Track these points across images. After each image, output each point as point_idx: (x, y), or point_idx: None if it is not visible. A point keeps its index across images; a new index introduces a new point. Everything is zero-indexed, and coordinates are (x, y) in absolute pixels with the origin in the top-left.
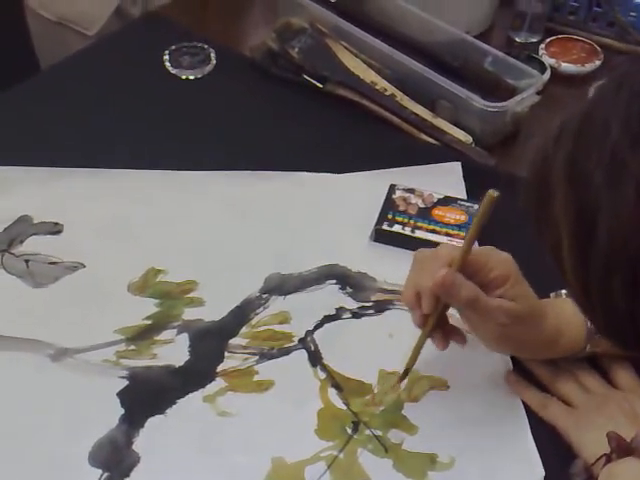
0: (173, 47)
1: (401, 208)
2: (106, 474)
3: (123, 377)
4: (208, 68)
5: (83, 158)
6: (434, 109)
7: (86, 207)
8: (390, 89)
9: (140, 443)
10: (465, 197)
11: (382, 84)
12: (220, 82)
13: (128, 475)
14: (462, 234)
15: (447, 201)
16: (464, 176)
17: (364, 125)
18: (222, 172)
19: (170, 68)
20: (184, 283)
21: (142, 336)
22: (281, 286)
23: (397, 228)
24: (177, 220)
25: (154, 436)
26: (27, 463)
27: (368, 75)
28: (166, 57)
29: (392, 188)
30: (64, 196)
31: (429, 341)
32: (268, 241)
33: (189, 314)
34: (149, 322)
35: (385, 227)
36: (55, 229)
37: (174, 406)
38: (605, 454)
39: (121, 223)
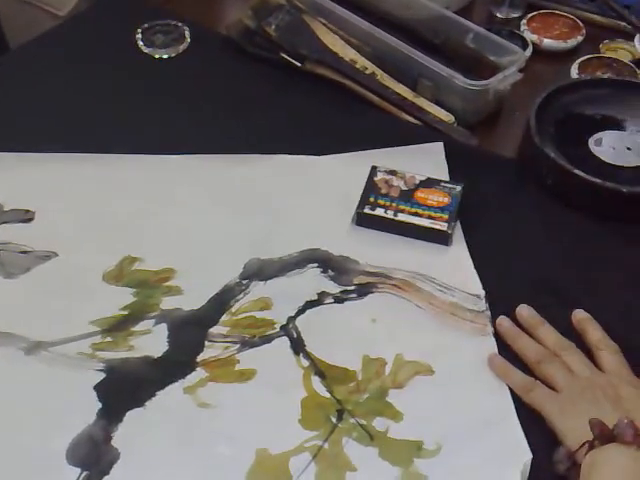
0: (146, 25)
1: (383, 191)
2: (85, 472)
3: (100, 370)
4: (182, 47)
5: (54, 142)
6: (415, 88)
7: (58, 194)
8: (370, 67)
9: (119, 438)
10: (447, 178)
11: (362, 62)
12: (195, 61)
13: (108, 473)
14: (445, 217)
15: (429, 183)
16: (446, 156)
17: (344, 105)
18: (198, 156)
19: (143, 47)
20: (161, 271)
21: (119, 327)
22: (261, 271)
23: (379, 211)
24: (153, 206)
25: (134, 430)
26: (1, 462)
27: (348, 53)
28: (138, 36)
29: (373, 170)
30: (35, 182)
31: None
32: (247, 226)
33: (167, 303)
34: (126, 312)
35: (367, 210)
36: (26, 217)
37: (154, 398)
38: (588, 441)
39: (95, 210)
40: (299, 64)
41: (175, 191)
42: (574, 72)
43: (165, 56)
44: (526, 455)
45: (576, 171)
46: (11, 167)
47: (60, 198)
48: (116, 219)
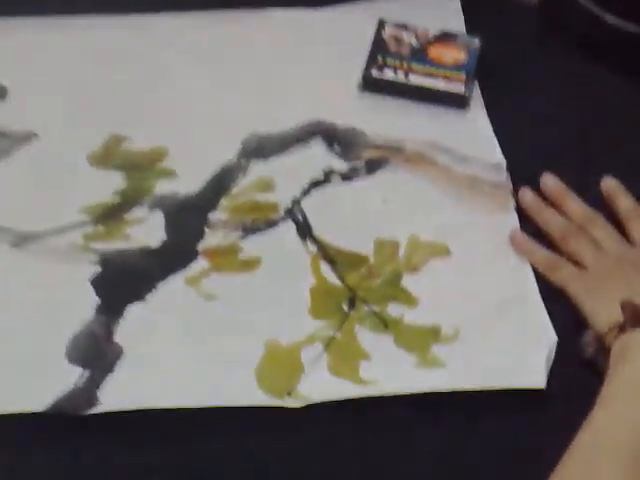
0: None
1: (392, 49)
2: (87, 371)
3: (94, 262)
4: None
5: (28, 4)
6: None
7: (34, 65)
8: None
9: (121, 334)
10: (464, 31)
11: None
12: None
13: (112, 370)
14: (462, 77)
15: (444, 37)
16: (462, 5)
17: None
18: (184, 14)
19: None
20: (152, 151)
21: (111, 215)
22: (261, 148)
23: (388, 74)
24: (140, 77)
25: (135, 325)
26: None
27: None
28: None
29: (381, 24)
30: (7, 52)
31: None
32: (242, 97)
33: (161, 187)
34: (117, 198)
35: (374, 73)
36: None
37: (154, 291)
38: (618, 323)
39: (76, 83)
40: None
41: (162, 59)
42: None
43: None
44: (551, 338)
45: (608, 17)
46: None
47: (33, 70)
48: (97, 93)
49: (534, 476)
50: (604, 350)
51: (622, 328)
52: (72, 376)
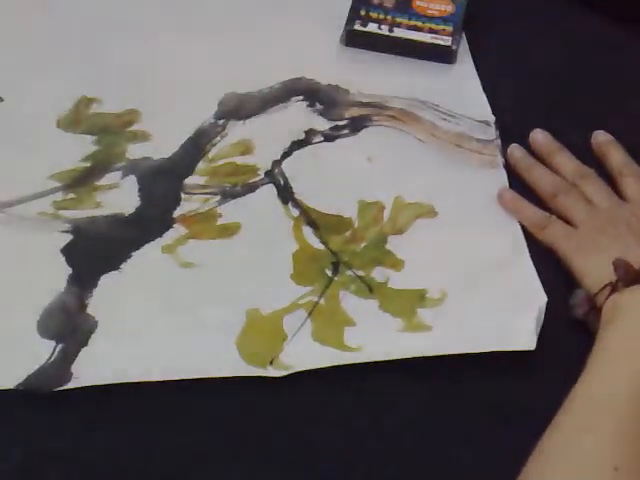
0: None
1: (376, 1)
2: (60, 345)
3: (65, 231)
4: None
5: None
6: None
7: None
8: None
9: (95, 305)
10: None
11: None
12: None
13: (86, 344)
14: (449, 29)
15: None
16: None
17: None
18: None
19: None
20: (124, 113)
21: (81, 181)
22: (239, 108)
23: (372, 27)
24: (110, 35)
25: (110, 296)
26: None
27: None
28: None
29: None
30: None
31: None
32: (218, 54)
33: (134, 152)
34: (88, 164)
35: (358, 27)
36: None
37: (129, 260)
38: (610, 282)
39: (40, 39)
40: None
41: (134, 12)
42: None
43: None
44: (541, 299)
45: None
46: None
47: None
48: (64, 52)
49: (526, 435)
50: (595, 310)
51: (614, 287)
52: (44, 351)
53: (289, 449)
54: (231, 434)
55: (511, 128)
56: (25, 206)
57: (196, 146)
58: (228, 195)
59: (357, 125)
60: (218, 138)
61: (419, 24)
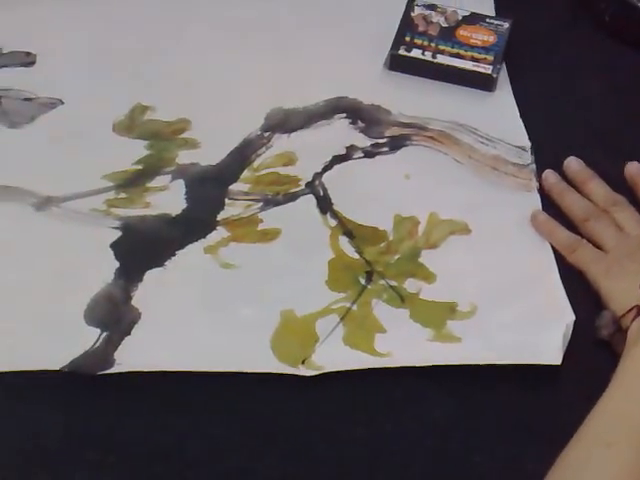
0: None
1: (420, 29)
2: (105, 333)
3: (115, 228)
4: None
5: None
6: None
7: (62, 34)
8: None
9: (139, 298)
10: (494, 13)
11: None
12: None
13: (129, 333)
14: (490, 58)
15: (473, 19)
16: None
17: None
18: None
19: None
20: (175, 122)
21: (133, 182)
22: (284, 122)
23: (416, 53)
24: (166, 48)
25: (154, 290)
26: (14, 323)
27: None
28: None
29: (410, 3)
30: (36, 22)
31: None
32: (269, 71)
33: (183, 157)
34: (140, 167)
35: (402, 52)
36: (27, 60)
37: (173, 258)
38: (636, 305)
39: (102, 53)
40: None
41: (189, 32)
42: None
43: None
44: (569, 317)
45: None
46: (9, 5)
47: (61, 40)
48: (124, 63)
49: (549, 447)
50: (621, 332)
51: None
52: (90, 337)
53: (316, 446)
54: (261, 428)
55: (546, 155)
56: (79, 202)
57: (242, 155)
58: (270, 202)
59: (397, 144)
60: (263, 149)
61: (462, 52)
